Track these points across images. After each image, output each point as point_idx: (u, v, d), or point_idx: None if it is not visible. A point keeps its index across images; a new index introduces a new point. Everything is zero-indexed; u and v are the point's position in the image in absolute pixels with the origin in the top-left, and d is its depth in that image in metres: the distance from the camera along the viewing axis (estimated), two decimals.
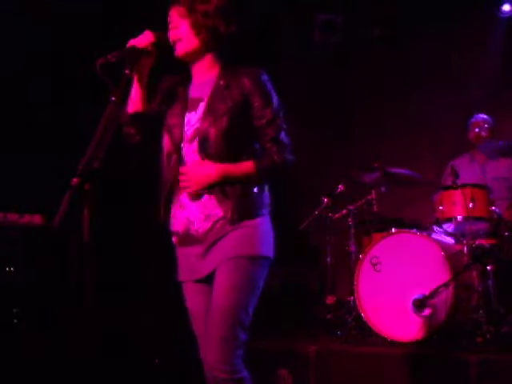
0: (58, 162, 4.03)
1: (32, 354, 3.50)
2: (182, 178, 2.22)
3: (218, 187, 2.21)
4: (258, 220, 2.24)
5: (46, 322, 3.71)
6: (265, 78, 2.29)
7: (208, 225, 2.21)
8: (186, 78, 2.37)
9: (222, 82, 2.27)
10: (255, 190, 2.25)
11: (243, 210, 2.21)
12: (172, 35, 2.28)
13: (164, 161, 2.33)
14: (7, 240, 3.48)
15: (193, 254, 2.26)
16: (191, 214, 2.25)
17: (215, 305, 2.16)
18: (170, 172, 2.29)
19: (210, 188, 2.21)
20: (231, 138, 2.21)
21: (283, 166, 2.25)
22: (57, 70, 4.48)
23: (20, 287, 3.59)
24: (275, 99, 2.29)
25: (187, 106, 2.31)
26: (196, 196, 2.23)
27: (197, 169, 2.21)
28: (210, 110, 2.24)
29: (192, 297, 2.32)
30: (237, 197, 2.21)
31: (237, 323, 2.14)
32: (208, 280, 2.24)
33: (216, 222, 2.20)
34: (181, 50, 2.28)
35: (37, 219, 3.53)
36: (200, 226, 2.22)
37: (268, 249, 2.26)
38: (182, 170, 2.24)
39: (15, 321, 3.51)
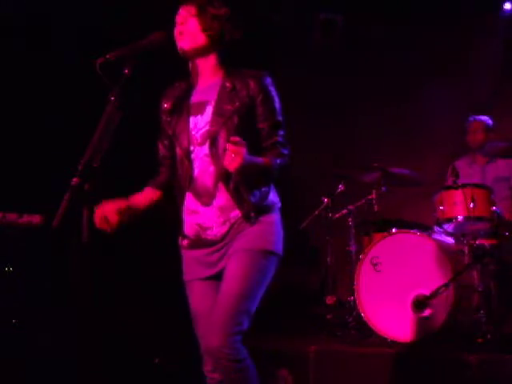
0: (57, 162, 4.03)
1: (32, 353, 3.49)
2: (231, 150, 2.04)
3: (233, 186, 2.24)
4: (273, 216, 2.32)
5: (46, 322, 3.70)
6: (269, 81, 2.34)
7: (225, 229, 2.25)
8: (189, 83, 2.38)
9: (227, 84, 2.29)
10: (265, 187, 2.31)
11: (259, 207, 2.27)
12: (178, 29, 2.28)
13: (178, 168, 2.35)
14: (7, 240, 3.48)
15: (205, 254, 2.29)
16: (206, 219, 2.27)
17: (224, 291, 2.19)
18: (184, 178, 2.31)
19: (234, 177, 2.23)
20: (244, 138, 2.16)
21: (286, 165, 2.31)
22: (57, 69, 4.48)
23: (19, 287, 3.59)
24: (278, 103, 2.35)
25: (190, 110, 2.32)
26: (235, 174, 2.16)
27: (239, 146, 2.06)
28: (218, 112, 2.26)
29: (197, 296, 2.32)
30: (252, 195, 2.26)
31: (243, 310, 2.17)
32: (218, 277, 2.26)
33: (234, 223, 2.24)
34: (186, 43, 2.28)
35: (36, 219, 3.52)
36: (218, 231, 2.26)
37: (280, 246, 2.34)
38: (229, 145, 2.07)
39: (15, 321, 3.51)
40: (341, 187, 4.76)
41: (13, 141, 4.21)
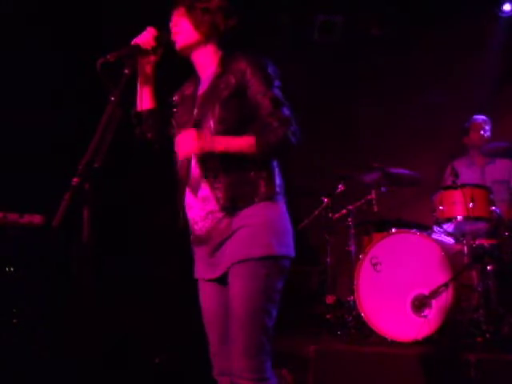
0: (58, 162, 4.03)
1: (32, 353, 3.49)
2: (179, 139, 2.11)
3: (212, 174, 2.16)
4: (268, 209, 2.16)
5: (46, 322, 3.71)
6: (263, 60, 2.25)
7: (209, 223, 2.19)
8: (197, 78, 2.39)
9: (219, 70, 2.27)
10: (253, 173, 2.16)
11: (237, 196, 2.14)
12: (173, 31, 2.29)
13: (176, 162, 2.32)
14: (7, 240, 3.48)
15: (204, 254, 2.26)
16: (195, 213, 2.23)
17: (232, 314, 2.13)
18: (182, 169, 2.30)
19: (205, 158, 2.15)
20: (228, 123, 2.16)
21: (285, 141, 2.10)
22: (56, 69, 4.48)
23: (20, 287, 3.59)
24: (273, 77, 2.24)
25: (195, 102, 2.32)
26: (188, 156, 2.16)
27: (190, 133, 2.10)
28: (204, 101, 2.25)
29: (205, 295, 2.31)
30: (230, 182, 2.14)
31: (256, 330, 2.10)
32: (221, 280, 2.21)
33: (218, 221, 2.17)
34: (180, 42, 2.28)
35: (37, 219, 3.53)
36: (202, 225, 2.21)
37: (283, 247, 2.17)
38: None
39: (15, 321, 3.51)
40: (341, 187, 4.77)
41: (13, 140, 4.21)
